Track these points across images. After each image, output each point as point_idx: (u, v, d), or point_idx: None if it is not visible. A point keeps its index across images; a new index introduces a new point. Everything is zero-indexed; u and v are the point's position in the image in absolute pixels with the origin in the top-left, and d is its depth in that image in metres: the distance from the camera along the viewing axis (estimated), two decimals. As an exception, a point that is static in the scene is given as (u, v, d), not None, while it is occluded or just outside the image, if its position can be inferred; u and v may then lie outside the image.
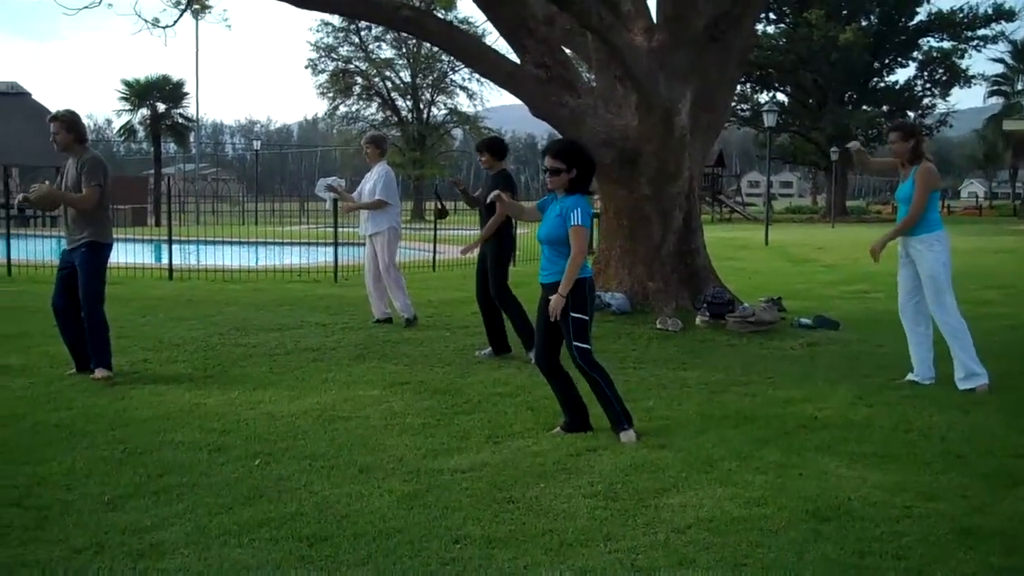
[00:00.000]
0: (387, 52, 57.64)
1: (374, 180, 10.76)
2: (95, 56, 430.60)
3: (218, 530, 4.51)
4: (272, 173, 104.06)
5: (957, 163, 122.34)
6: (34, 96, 42.21)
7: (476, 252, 9.31)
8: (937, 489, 5.17)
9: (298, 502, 4.90)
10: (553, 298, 5.98)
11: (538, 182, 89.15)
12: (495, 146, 9.21)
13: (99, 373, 7.62)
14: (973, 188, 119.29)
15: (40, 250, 17.48)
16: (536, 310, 6.33)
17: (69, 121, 7.75)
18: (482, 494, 5.05)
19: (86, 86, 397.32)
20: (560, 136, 11.01)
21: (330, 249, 16.75)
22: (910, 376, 7.94)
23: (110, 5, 12.77)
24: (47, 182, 8.06)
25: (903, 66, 60.13)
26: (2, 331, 10.00)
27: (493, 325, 9.10)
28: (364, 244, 11.14)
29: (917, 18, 57.63)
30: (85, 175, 7.62)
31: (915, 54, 58.86)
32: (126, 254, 16.32)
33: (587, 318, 6.04)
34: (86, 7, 11.96)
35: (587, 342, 6.04)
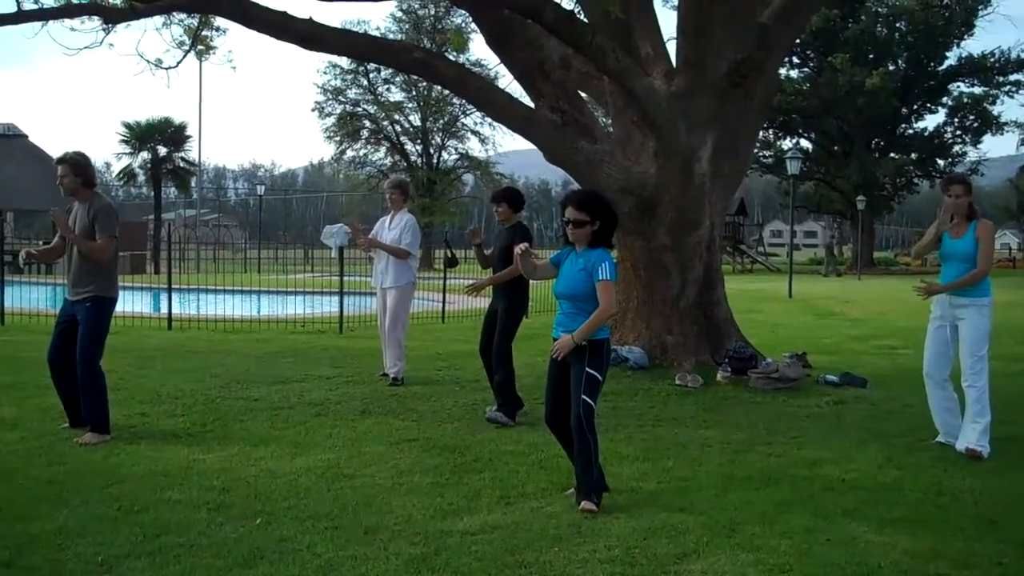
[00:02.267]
0: (396, 95, 57.17)
1: (400, 228, 10.38)
2: (94, 97, 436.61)
3: (216, 594, 4.33)
4: (276, 219, 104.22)
5: (989, 213, 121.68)
6: (31, 138, 42.33)
7: (483, 294, 9.09)
8: (971, 556, 5.04)
9: (300, 565, 4.75)
10: (565, 337, 5.80)
11: (552, 230, 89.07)
12: (514, 197, 8.97)
13: (88, 438, 7.23)
14: (1006, 239, 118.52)
15: (35, 298, 17.37)
16: (549, 369, 6.08)
17: (76, 164, 7.40)
18: (493, 558, 4.90)
19: (86, 128, 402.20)
20: (575, 183, 10.83)
21: (335, 298, 16.50)
22: (940, 437, 7.70)
23: (111, 45, 12.68)
24: (66, 212, 7.70)
25: (932, 112, 59.82)
26: (-5, 382, 9.83)
27: None
28: (375, 294, 10.90)
29: (947, 62, 57.38)
30: (99, 224, 7.28)
31: (945, 100, 58.51)
32: (124, 302, 16.11)
33: (601, 379, 5.87)
34: (87, 47, 11.91)
35: (595, 400, 5.84)
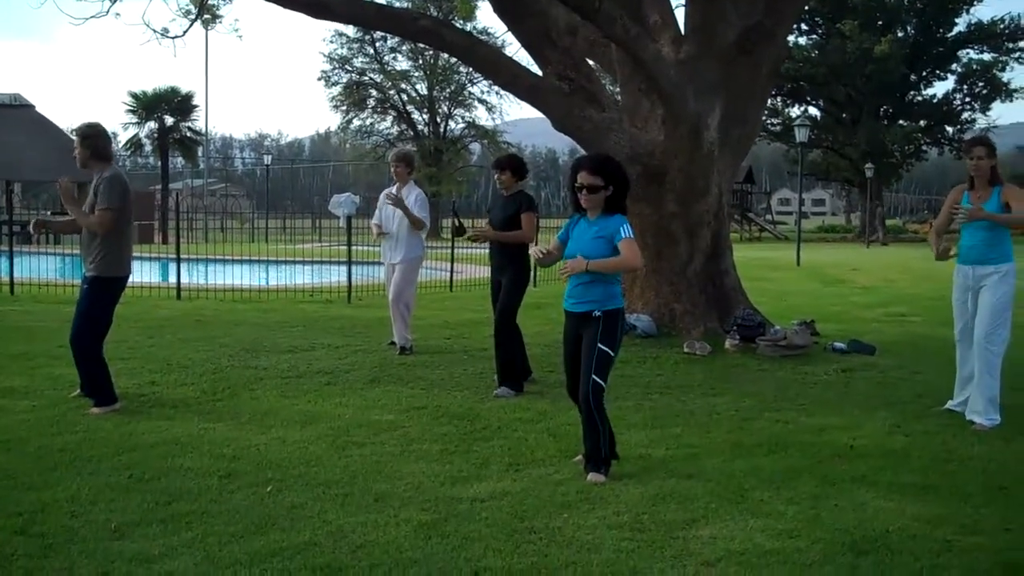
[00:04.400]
0: (403, 64, 56.68)
1: (412, 201, 10.20)
2: (101, 67, 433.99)
3: (228, 560, 4.39)
4: (283, 188, 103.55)
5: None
6: (38, 108, 42.03)
7: (484, 243, 8.95)
8: (979, 522, 5.04)
9: (311, 531, 4.77)
10: (579, 259, 5.65)
11: (559, 199, 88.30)
12: (517, 164, 8.79)
13: (95, 411, 7.23)
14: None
15: (43, 268, 17.39)
16: (563, 341, 6.01)
17: (85, 136, 7.32)
18: (502, 524, 4.91)
19: (93, 98, 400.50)
20: (583, 151, 10.76)
21: (343, 268, 16.53)
22: (950, 404, 7.67)
23: (118, 15, 12.70)
24: (75, 183, 7.61)
25: (941, 79, 59.52)
26: (5, 352, 9.85)
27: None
28: (383, 264, 10.85)
29: (956, 29, 57.03)
30: (99, 196, 7.20)
31: (954, 66, 58.15)
32: (133, 272, 16.20)
33: (613, 354, 5.75)
34: (93, 16, 11.87)
35: (605, 380, 5.74)
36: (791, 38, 49.05)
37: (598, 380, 5.68)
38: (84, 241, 7.41)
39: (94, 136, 7.37)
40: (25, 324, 11.84)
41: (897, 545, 4.66)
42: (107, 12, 12.00)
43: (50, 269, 17.64)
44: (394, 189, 10.45)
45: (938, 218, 7.88)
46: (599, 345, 5.67)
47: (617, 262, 5.66)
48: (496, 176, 8.80)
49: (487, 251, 9.00)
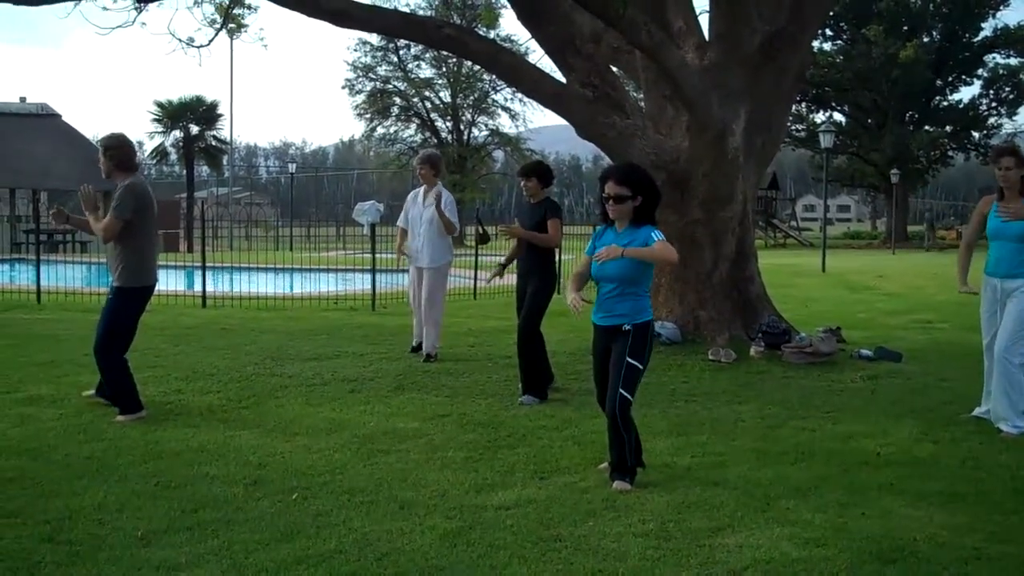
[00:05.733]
0: (426, 71, 56.90)
1: (443, 204, 10.11)
2: (127, 76, 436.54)
3: (254, 568, 4.40)
4: (307, 197, 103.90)
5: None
6: (65, 118, 42.24)
7: (509, 269, 9.02)
8: (1008, 530, 5.00)
9: (337, 539, 4.78)
10: (614, 246, 5.57)
11: (583, 206, 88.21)
12: (543, 171, 8.77)
13: (120, 419, 7.26)
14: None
15: (70, 276, 17.47)
16: (592, 354, 6.00)
17: (106, 147, 7.40)
18: (528, 532, 4.90)
19: (119, 107, 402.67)
20: (607, 159, 10.74)
21: (368, 276, 16.50)
22: (977, 411, 7.61)
23: (144, 25, 12.84)
24: (99, 192, 7.68)
25: (967, 84, 59.21)
26: (32, 360, 9.93)
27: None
28: (407, 271, 10.85)
29: (982, 34, 56.67)
30: (113, 204, 7.26)
31: (980, 71, 57.77)
32: (158, 281, 16.25)
33: (642, 368, 5.71)
34: (119, 26, 11.96)
35: (633, 394, 5.69)
36: (816, 44, 48.95)
37: (625, 394, 5.64)
38: (108, 251, 7.47)
39: (116, 147, 7.43)
40: (52, 332, 11.91)
41: (925, 554, 4.63)
42: (133, 22, 12.09)
43: (77, 277, 17.73)
44: (421, 192, 10.46)
45: (968, 230, 7.74)
46: (628, 359, 5.63)
47: (653, 251, 5.57)
48: (522, 183, 8.78)
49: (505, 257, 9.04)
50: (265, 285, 17.35)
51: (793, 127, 54.84)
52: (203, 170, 55.32)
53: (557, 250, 8.55)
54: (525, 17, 11.91)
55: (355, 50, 56.84)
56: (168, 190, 69.11)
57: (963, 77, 58.35)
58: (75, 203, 43.38)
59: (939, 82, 57.23)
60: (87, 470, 5.96)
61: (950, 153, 60.07)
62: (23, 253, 27.29)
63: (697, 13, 12.12)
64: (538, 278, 8.46)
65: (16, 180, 38.42)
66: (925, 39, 55.22)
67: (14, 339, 11.40)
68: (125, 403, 7.37)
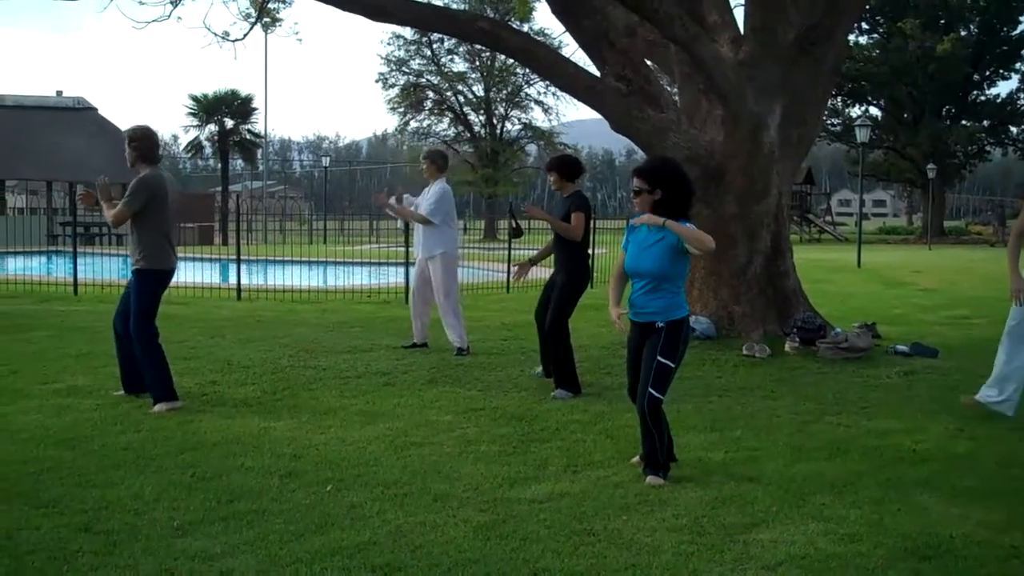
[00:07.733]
0: (460, 65, 57.04)
1: (430, 195, 10.28)
2: (163, 70, 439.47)
3: (289, 558, 4.42)
4: (340, 190, 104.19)
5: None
6: (101, 111, 42.59)
7: (542, 264, 8.99)
8: (1047, 528, 4.92)
9: (371, 530, 4.80)
10: (653, 216, 5.56)
11: (615, 200, 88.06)
12: (566, 165, 8.66)
13: (156, 408, 7.34)
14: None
15: (107, 269, 17.62)
16: (628, 349, 5.95)
17: (130, 138, 7.53)
18: (561, 525, 4.90)
19: (155, 101, 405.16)
20: (640, 152, 10.70)
21: (401, 269, 16.52)
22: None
23: (179, 19, 12.98)
24: (115, 185, 7.82)
25: (1005, 78, 58.20)
26: (69, 351, 10.03)
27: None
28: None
29: (1020, 27, 55.83)
30: (127, 194, 7.41)
31: (1018, 65, 56.84)
32: (193, 273, 16.41)
33: (674, 367, 5.67)
34: (155, 20, 12.07)
35: (663, 393, 5.65)
36: (851, 37, 48.47)
37: (655, 393, 5.61)
38: (129, 239, 7.62)
39: (140, 139, 7.55)
40: (89, 324, 12.00)
41: (961, 551, 4.59)
42: (168, 16, 12.20)
43: (113, 270, 17.88)
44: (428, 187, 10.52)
45: (1018, 222, 7.50)
46: (659, 358, 5.60)
47: (691, 232, 5.53)
48: (548, 177, 8.78)
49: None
50: (299, 278, 17.41)
51: (829, 121, 54.37)
52: (237, 164, 55.68)
53: (588, 247, 8.50)
54: (559, 10, 11.90)
55: (388, 44, 57.13)
56: (203, 184, 69.63)
57: (1001, 71, 57.48)
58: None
59: (976, 76, 56.46)
60: (124, 460, 6.01)
61: (987, 148, 59.31)
62: (60, 245, 27.54)
63: (732, 7, 12.06)
64: (567, 272, 8.42)
65: (53, 173, 38.89)
66: (962, 33, 54.50)
67: (52, 331, 11.52)
68: (159, 391, 7.43)
